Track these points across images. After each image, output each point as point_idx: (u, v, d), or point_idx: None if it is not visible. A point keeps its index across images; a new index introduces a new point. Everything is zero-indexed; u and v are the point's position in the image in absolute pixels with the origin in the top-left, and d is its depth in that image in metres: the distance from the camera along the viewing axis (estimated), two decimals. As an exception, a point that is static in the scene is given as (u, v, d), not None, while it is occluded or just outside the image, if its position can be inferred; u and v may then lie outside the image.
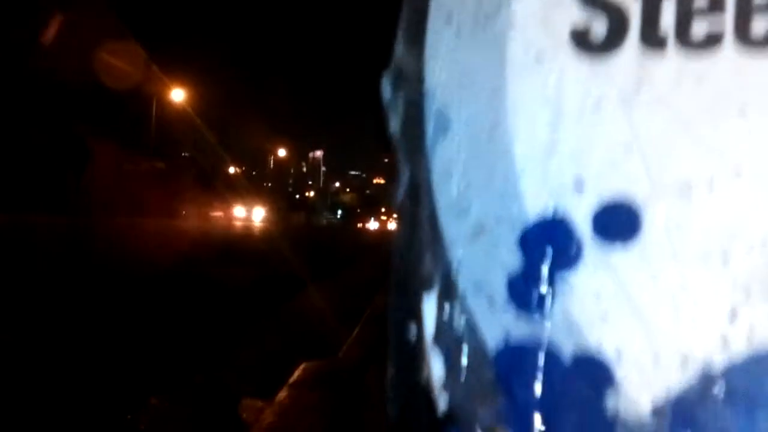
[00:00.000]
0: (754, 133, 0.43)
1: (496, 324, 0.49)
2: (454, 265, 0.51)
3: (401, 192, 0.54)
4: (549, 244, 0.48)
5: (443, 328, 0.52)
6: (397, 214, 0.55)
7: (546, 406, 0.48)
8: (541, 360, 0.48)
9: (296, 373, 5.80)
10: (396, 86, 0.54)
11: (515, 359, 0.49)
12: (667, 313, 0.45)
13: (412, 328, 0.54)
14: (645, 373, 0.45)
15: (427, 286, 0.52)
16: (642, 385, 0.45)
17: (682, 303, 0.44)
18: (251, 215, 52.97)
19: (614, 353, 0.46)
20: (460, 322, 0.51)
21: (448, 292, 0.51)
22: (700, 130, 0.44)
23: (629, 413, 0.45)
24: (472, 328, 0.50)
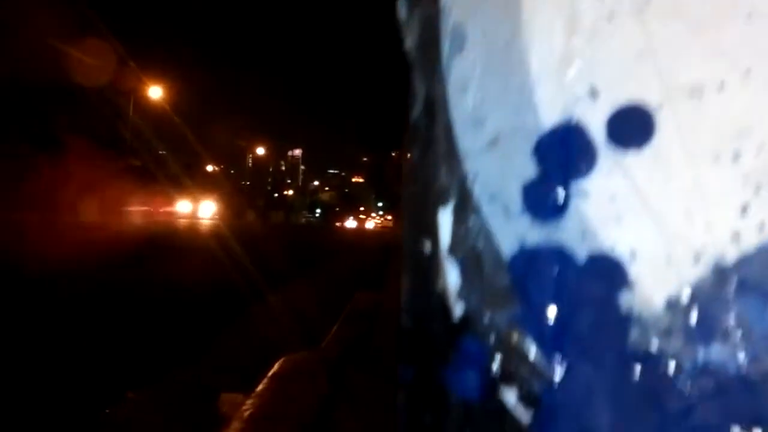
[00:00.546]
0: (762, 36, 0.45)
1: (512, 232, 0.51)
2: (470, 177, 0.52)
3: (417, 109, 0.56)
4: (563, 151, 0.49)
5: (459, 239, 0.53)
6: (411, 131, 0.56)
7: (561, 306, 0.49)
8: (555, 263, 0.49)
9: (276, 366, 5.79)
10: (412, 4, 0.56)
11: (530, 264, 0.50)
12: (679, 211, 0.46)
13: (428, 241, 0.55)
14: (658, 271, 0.47)
15: (442, 199, 0.54)
16: (656, 282, 0.47)
17: (694, 201, 0.46)
18: (198, 211, 46.81)
19: (628, 253, 0.47)
20: (475, 232, 0.52)
21: (464, 204, 0.53)
22: (710, 35, 0.46)
23: (643, 309, 0.47)
24: (487, 237, 0.52)
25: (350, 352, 6.45)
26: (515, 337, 0.50)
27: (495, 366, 0.51)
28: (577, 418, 0.48)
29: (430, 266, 0.55)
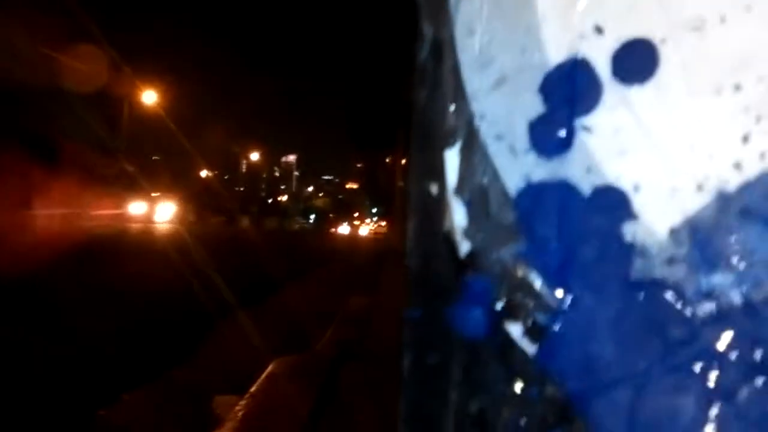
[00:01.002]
0: (763, -28, 0.47)
1: (518, 169, 0.52)
2: (477, 117, 0.53)
3: (424, 51, 0.57)
4: (569, 88, 0.50)
5: (465, 178, 0.54)
6: (418, 74, 0.58)
7: (566, 240, 0.50)
8: (560, 198, 0.50)
9: (269, 368, 5.80)
10: (420, -53, 0.57)
11: (536, 200, 0.51)
12: (682, 143, 0.48)
13: (434, 183, 0.56)
14: (662, 201, 0.48)
15: (449, 140, 0.55)
16: (659, 213, 0.48)
17: (697, 133, 0.47)
18: (155, 213, 40.88)
19: (632, 185, 0.49)
20: (482, 171, 0.53)
21: (471, 144, 0.54)
22: (712, -29, 0.47)
23: (647, 240, 0.48)
24: (493, 175, 0.53)
25: (344, 354, 6.46)
26: (521, 271, 0.51)
27: (500, 301, 0.52)
28: (582, 347, 0.49)
29: (437, 207, 0.56)
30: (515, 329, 0.52)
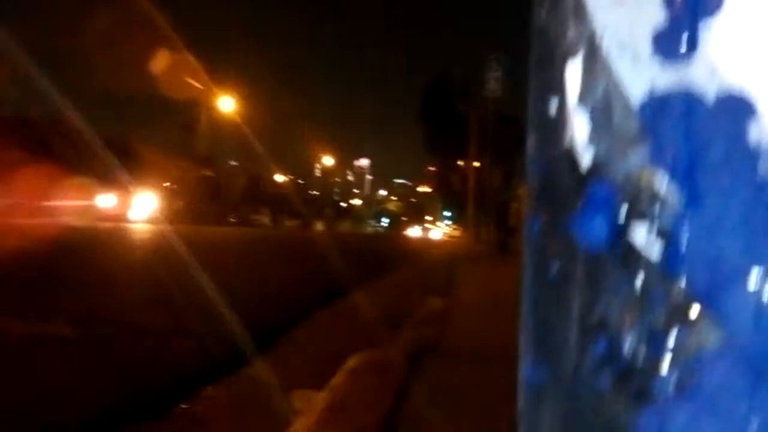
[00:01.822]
0: None
1: (641, 77, 0.53)
2: (599, 29, 0.55)
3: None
4: (694, -6, 0.51)
5: (587, 91, 0.55)
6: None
7: (691, 144, 0.51)
8: (685, 104, 0.51)
9: (349, 361, 5.85)
10: None
11: (660, 107, 0.52)
12: (812, 41, 0.48)
13: (555, 98, 0.58)
14: (789, 101, 0.48)
15: (570, 54, 0.56)
16: (787, 113, 0.48)
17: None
18: (128, 209, 31.63)
19: (757, 89, 0.49)
20: (604, 82, 0.55)
21: (593, 56, 0.55)
22: None
23: (774, 141, 0.48)
24: (616, 85, 0.54)
25: (422, 351, 6.49)
26: (645, 177, 0.52)
27: (624, 208, 0.53)
28: (707, 246, 0.50)
29: (557, 122, 0.57)
30: (639, 234, 0.53)
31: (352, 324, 7.69)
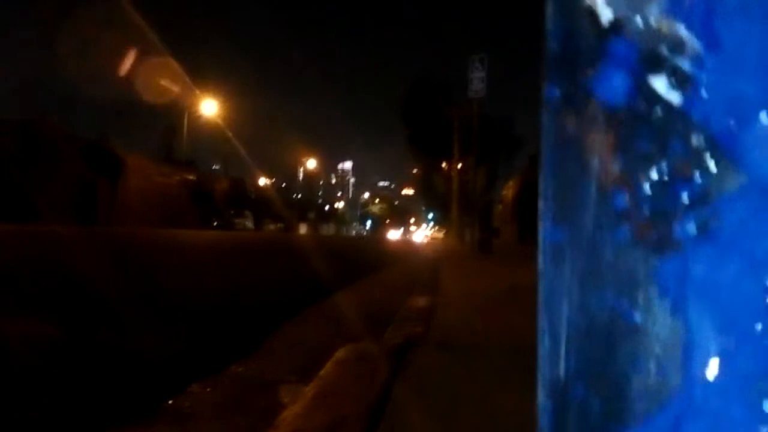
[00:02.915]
0: None
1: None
2: None
3: None
4: None
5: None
6: None
7: (711, -10, 0.52)
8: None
9: (337, 353, 5.84)
10: None
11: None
12: None
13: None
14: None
15: None
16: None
17: None
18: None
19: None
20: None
21: None
22: None
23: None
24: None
25: (409, 343, 6.49)
26: (665, 26, 0.54)
27: (644, 58, 0.54)
28: (728, 88, 0.51)
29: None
30: (660, 83, 0.54)
31: (339, 322, 7.70)
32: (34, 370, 4.43)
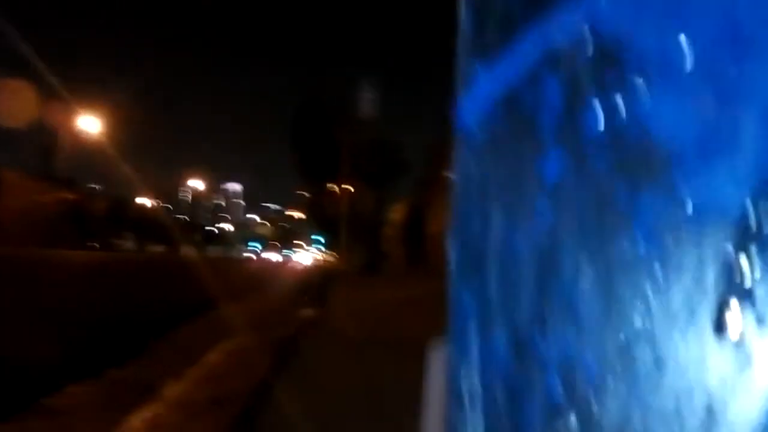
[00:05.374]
0: None
1: None
2: None
3: None
4: None
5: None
6: None
7: None
8: None
9: (222, 345, 6.16)
10: None
11: None
12: None
13: None
14: None
15: None
16: None
17: None
18: None
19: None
20: None
21: None
22: None
23: None
24: None
25: (299, 334, 6.90)
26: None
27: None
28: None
29: None
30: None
31: (221, 330, 7.87)
32: None
